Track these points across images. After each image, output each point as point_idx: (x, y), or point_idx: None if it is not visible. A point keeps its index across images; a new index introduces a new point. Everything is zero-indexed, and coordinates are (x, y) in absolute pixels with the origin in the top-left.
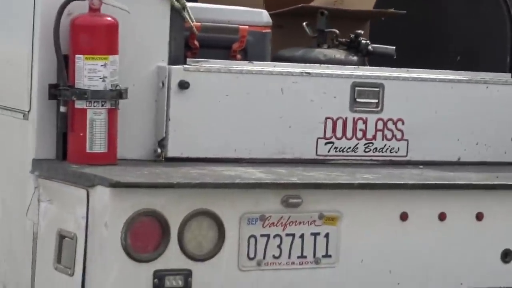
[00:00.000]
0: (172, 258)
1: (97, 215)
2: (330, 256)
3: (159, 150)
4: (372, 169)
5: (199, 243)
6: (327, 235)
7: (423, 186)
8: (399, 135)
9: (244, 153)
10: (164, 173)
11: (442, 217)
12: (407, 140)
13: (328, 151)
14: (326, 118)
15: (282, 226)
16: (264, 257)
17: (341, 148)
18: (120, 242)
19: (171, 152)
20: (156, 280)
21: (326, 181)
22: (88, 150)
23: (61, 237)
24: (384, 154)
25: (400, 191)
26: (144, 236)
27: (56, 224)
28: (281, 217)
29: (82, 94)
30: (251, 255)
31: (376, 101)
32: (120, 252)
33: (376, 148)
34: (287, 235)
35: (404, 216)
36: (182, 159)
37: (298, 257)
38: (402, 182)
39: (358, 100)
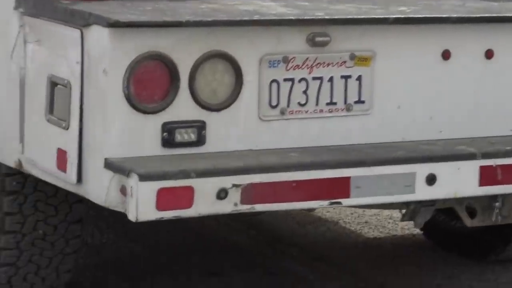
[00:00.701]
0: (182, 108)
1: (93, 59)
2: (363, 101)
3: None
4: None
5: (213, 90)
6: (359, 78)
7: (469, 20)
8: None
9: None
10: (169, 9)
11: (489, 54)
12: None
13: None
14: None
15: (308, 68)
16: (288, 105)
17: None
18: (122, 91)
19: None
20: (165, 133)
21: (358, 16)
22: None
23: (53, 84)
24: None
25: (441, 25)
26: (150, 83)
27: (46, 69)
28: (307, 58)
29: None
30: (274, 103)
31: None
32: (122, 103)
33: None
34: (314, 78)
35: (446, 54)
36: None
37: (327, 103)
38: (445, 16)
39: None
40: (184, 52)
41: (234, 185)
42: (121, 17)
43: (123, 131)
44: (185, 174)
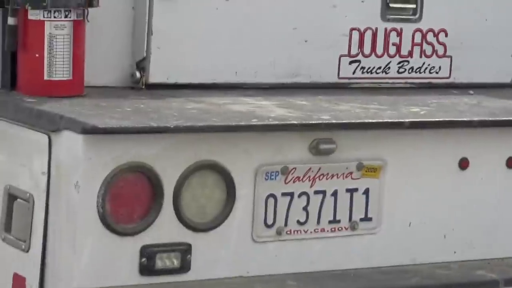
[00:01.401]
0: (165, 228)
1: (63, 171)
2: (370, 219)
3: (138, 75)
4: (413, 97)
5: (202, 207)
6: (366, 192)
7: (492, 123)
8: (441, 51)
9: (248, 76)
10: (153, 110)
11: (511, 163)
12: (450, 56)
13: (353, 72)
14: (351, 30)
15: (310, 180)
16: (285, 223)
17: (369, 68)
18: (96, 209)
19: (154, 76)
20: (144, 259)
21: (369, 120)
22: (46, 77)
23: (12, 197)
24: (422, 75)
25: (461, 130)
26: (129, 200)
27: (4, 179)
28: (309, 169)
29: (39, 1)
30: (269, 221)
31: (413, 6)
32: (96, 223)
33: (412, 68)
34: (316, 192)
35: (464, 163)
36: (168, 85)
37: (330, 221)
38: (466, 119)
39: (391, 5)
40: (169, 163)
41: None
42: (98, 122)
43: (95, 256)
44: None
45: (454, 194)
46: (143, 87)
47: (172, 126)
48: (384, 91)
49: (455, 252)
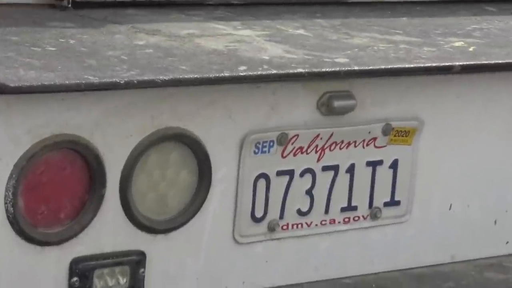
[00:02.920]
0: (108, 232)
1: None
2: (397, 203)
3: None
4: (442, 20)
5: (162, 198)
6: (394, 165)
7: None
8: None
9: None
10: (88, 50)
11: None
12: None
13: None
14: None
15: (317, 152)
16: (281, 215)
17: None
18: (4, 207)
19: None
20: (75, 279)
21: (407, 65)
22: None
23: None
24: None
25: None
26: (53, 193)
27: None
28: (317, 136)
29: None
30: (259, 213)
31: None
32: (3, 227)
33: None
34: (325, 169)
35: None
36: (103, 3)
37: (343, 209)
38: None
39: None
40: (114, 134)
41: None
42: (8, 75)
43: (3, 277)
44: None
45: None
46: (69, 5)
47: (122, 82)
48: (398, 8)
49: (507, 243)
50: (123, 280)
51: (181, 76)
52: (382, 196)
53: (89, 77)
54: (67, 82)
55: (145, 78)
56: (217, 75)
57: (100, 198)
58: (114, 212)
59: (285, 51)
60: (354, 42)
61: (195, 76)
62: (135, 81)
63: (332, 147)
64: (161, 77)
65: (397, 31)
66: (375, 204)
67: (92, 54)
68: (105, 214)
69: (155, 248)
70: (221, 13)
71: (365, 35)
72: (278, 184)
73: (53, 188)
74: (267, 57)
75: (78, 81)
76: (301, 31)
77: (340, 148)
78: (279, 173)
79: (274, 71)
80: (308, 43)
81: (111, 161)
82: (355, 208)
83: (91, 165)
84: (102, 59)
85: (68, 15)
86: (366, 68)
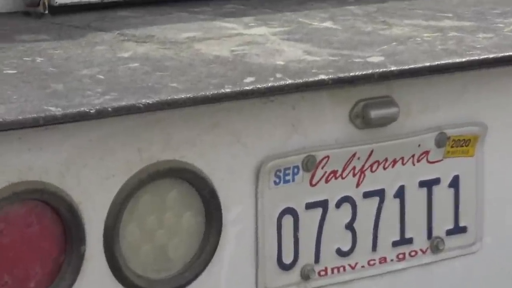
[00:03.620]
0: None
1: None
2: (464, 229)
3: None
4: None
5: (160, 250)
6: (455, 182)
7: None
8: None
9: None
10: (57, 70)
11: None
12: None
13: None
14: None
15: (355, 175)
16: (317, 259)
17: None
18: None
19: None
20: None
21: (461, 58)
22: None
23: None
24: None
25: None
26: (18, 256)
27: None
28: (354, 155)
29: None
30: (287, 258)
31: None
32: None
33: None
34: (366, 195)
35: None
36: (84, 5)
37: (395, 243)
38: None
39: None
40: (92, 175)
41: None
42: None
43: None
44: None
45: None
46: (46, 11)
47: (92, 111)
48: None
49: None
50: None
51: (169, 98)
52: (443, 223)
53: (51, 108)
54: (21, 117)
55: (123, 103)
56: (216, 92)
57: (80, 258)
58: (99, 274)
59: (306, 52)
60: (393, 33)
61: (188, 95)
62: (109, 109)
63: (374, 168)
64: (143, 101)
65: (446, 14)
66: (435, 233)
67: (61, 76)
68: (88, 278)
69: None
70: (232, 8)
71: (406, 23)
72: (309, 220)
73: (18, 251)
74: (281, 62)
75: (36, 115)
76: (327, 24)
77: (384, 168)
78: (309, 206)
79: (289, 81)
80: (336, 39)
81: (90, 211)
82: (410, 241)
83: (64, 218)
84: (73, 81)
85: (44, 24)
86: (407, 67)
